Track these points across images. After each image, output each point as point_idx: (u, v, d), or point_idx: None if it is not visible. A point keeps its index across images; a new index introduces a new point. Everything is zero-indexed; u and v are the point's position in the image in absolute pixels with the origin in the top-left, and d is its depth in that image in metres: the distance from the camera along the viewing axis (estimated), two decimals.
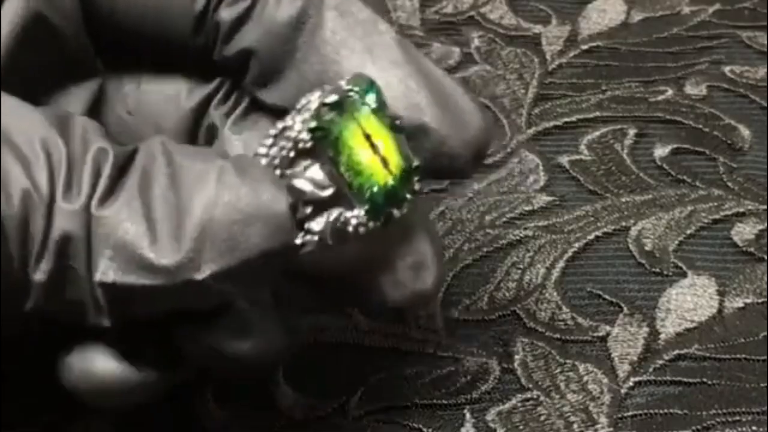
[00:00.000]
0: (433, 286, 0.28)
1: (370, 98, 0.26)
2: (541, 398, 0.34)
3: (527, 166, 0.41)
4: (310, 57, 0.28)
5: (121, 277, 0.25)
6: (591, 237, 0.39)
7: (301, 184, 0.25)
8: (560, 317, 0.36)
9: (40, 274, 0.24)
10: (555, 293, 0.37)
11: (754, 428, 0.33)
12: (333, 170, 0.25)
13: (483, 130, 0.28)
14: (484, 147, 0.28)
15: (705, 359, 0.35)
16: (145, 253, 0.24)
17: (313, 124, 0.25)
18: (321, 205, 0.26)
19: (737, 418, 0.33)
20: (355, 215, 0.26)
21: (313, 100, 0.26)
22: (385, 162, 0.26)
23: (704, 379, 0.34)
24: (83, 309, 0.25)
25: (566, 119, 0.43)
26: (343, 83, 0.26)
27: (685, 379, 0.34)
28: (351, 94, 0.26)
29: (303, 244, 0.26)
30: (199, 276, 0.24)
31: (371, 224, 0.26)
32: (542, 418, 0.33)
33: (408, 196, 0.27)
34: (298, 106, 0.26)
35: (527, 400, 0.34)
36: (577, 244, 0.38)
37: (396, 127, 0.27)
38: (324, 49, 0.28)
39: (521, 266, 0.38)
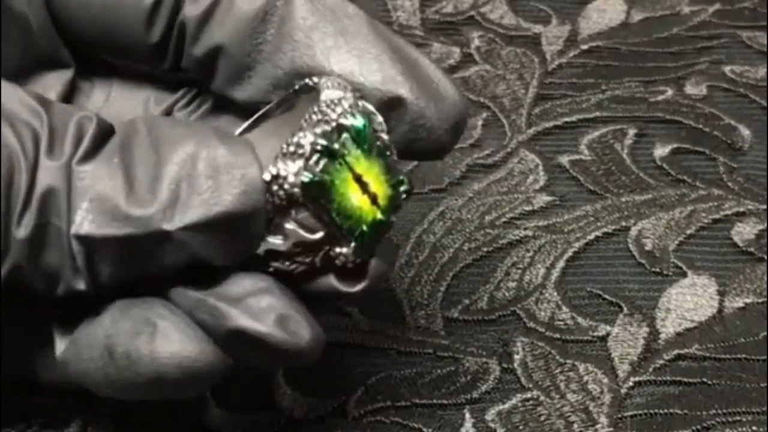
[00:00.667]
0: (364, 288, 0.27)
1: (363, 138, 0.26)
2: (541, 398, 0.34)
3: (527, 166, 0.41)
4: (282, 46, 0.28)
5: (95, 230, 0.25)
6: (591, 237, 0.39)
7: (291, 226, 0.26)
8: (560, 317, 0.36)
9: (22, 230, 0.25)
10: (555, 293, 0.37)
11: (754, 428, 0.33)
12: (324, 215, 0.26)
13: (459, 102, 0.28)
14: (462, 120, 0.28)
15: (705, 359, 0.35)
16: (120, 205, 0.25)
17: (306, 178, 0.25)
18: (310, 246, 0.26)
19: (737, 418, 0.33)
20: (344, 252, 0.26)
21: (305, 144, 0.25)
22: (374, 198, 0.26)
23: (704, 379, 0.34)
24: (59, 272, 0.25)
25: (566, 119, 0.43)
26: (333, 114, 0.26)
27: (685, 379, 0.34)
28: (343, 135, 0.26)
29: (292, 270, 0.26)
30: (170, 227, 0.25)
31: (359, 260, 0.26)
32: (542, 418, 0.33)
33: (393, 219, 0.27)
34: (290, 148, 0.25)
35: (527, 400, 0.34)
36: (577, 244, 0.38)
37: (382, 151, 0.27)
38: (296, 35, 0.28)
39: (521, 266, 0.38)
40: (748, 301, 0.37)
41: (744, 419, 0.33)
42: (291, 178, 0.25)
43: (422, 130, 0.28)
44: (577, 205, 0.40)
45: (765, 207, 0.40)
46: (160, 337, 0.26)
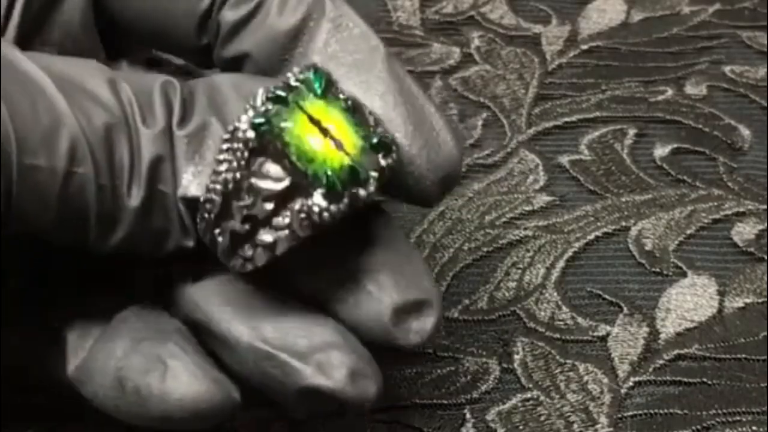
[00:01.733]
0: (434, 328, 0.27)
1: (316, 85, 0.26)
2: (541, 398, 0.34)
3: (527, 166, 0.41)
4: (301, 65, 0.28)
5: (203, 192, 0.26)
6: (591, 237, 0.39)
7: (257, 181, 0.26)
8: (560, 317, 0.36)
9: (134, 200, 0.26)
10: (555, 293, 0.37)
11: (754, 428, 0.33)
12: (286, 162, 0.26)
13: (454, 157, 0.28)
14: (453, 174, 0.28)
15: (705, 359, 0.35)
16: None
17: (257, 120, 0.26)
18: (281, 199, 0.26)
19: (737, 418, 0.33)
20: (316, 202, 0.26)
21: (258, 96, 0.26)
22: (339, 144, 0.26)
23: (704, 379, 0.34)
24: (168, 231, 0.26)
25: (566, 119, 0.43)
26: (290, 77, 0.26)
27: (685, 379, 0.34)
28: (295, 84, 0.26)
29: (275, 241, 0.26)
30: None
31: (334, 208, 0.26)
32: (542, 418, 0.33)
33: (373, 174, 0.26)
34: (246, 106, 0.26)
35: (527, 400, 0.34)
36: (577, 244, 0.38)
37: (350, 108, 0.27)
38: (314, 58, 0.28)
39: (521, 266, 0.38)
40: (748, 301, 0.37)
41: (744, 419, 0.33)
42: (243, 126, 0.26)
43: (410, 177, 0.28)
44: (577, 205, 0.40)
45: (765, 207, 0.40)
46: (170, 378, 0.26)
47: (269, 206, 0.26)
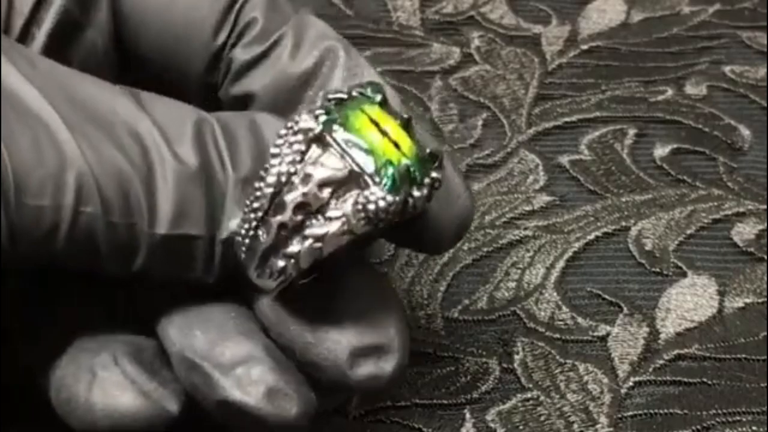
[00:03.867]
0: (393, 373, 0.27)
1: (376, 96, 0.27)
2: (541, 398, 0.34)
3: (527, 166, 0.41)
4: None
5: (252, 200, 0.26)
6: (591, 237, 0.39)
7: (313, 170, 0.26)
8: (560, 317, 0.36)
9: (155, 238, 0.25)
10: (555, 293, 0.37)
11: (754, 428, 0.33)
12: (344, 153, 0.26)
13: (468, 208, 0.29)
14: (467, 223, 0.29)
15: (705, 359, 0.35)
16: None
17: (319, 112, 0.26)
18: (338, 187, 0.26)
19: (737, 418, 0.33)
20: (374, 192, 0.25)
21: (319, 98, 0.26)
22: (396, 145, 0.26)
23: (704, 379, 0.34)
24: (188, 270, 0.26)
25: (566, 119, 0.43)
26: (350, 88, 0.27)
27: (685, 379, 0.34)
28: (354, 93, 0.27)
29: (325, 235, 0.26)
30: None
31: (390, 199, 0.26)
32: (542, 418, 0.33)
33: (427, 180, 0.26)
34: (305, 109, 0.26)
35: (527, 400, 0.34)
36: (577, 244, 0.38)
37: (405, 121, 0.27)
38: None
39: (521, 266, 0.38)
40: (748, 301, 0.37)
41: (744, 419, 0.33)
42: (304, 117, 0.26)
43: (429, 227, 0.28)
44: (577, 205, 0.40)
45: (765, 207, 0.40)
46: (96, 388, 0.26)
47: (325, 194, 0.26)
